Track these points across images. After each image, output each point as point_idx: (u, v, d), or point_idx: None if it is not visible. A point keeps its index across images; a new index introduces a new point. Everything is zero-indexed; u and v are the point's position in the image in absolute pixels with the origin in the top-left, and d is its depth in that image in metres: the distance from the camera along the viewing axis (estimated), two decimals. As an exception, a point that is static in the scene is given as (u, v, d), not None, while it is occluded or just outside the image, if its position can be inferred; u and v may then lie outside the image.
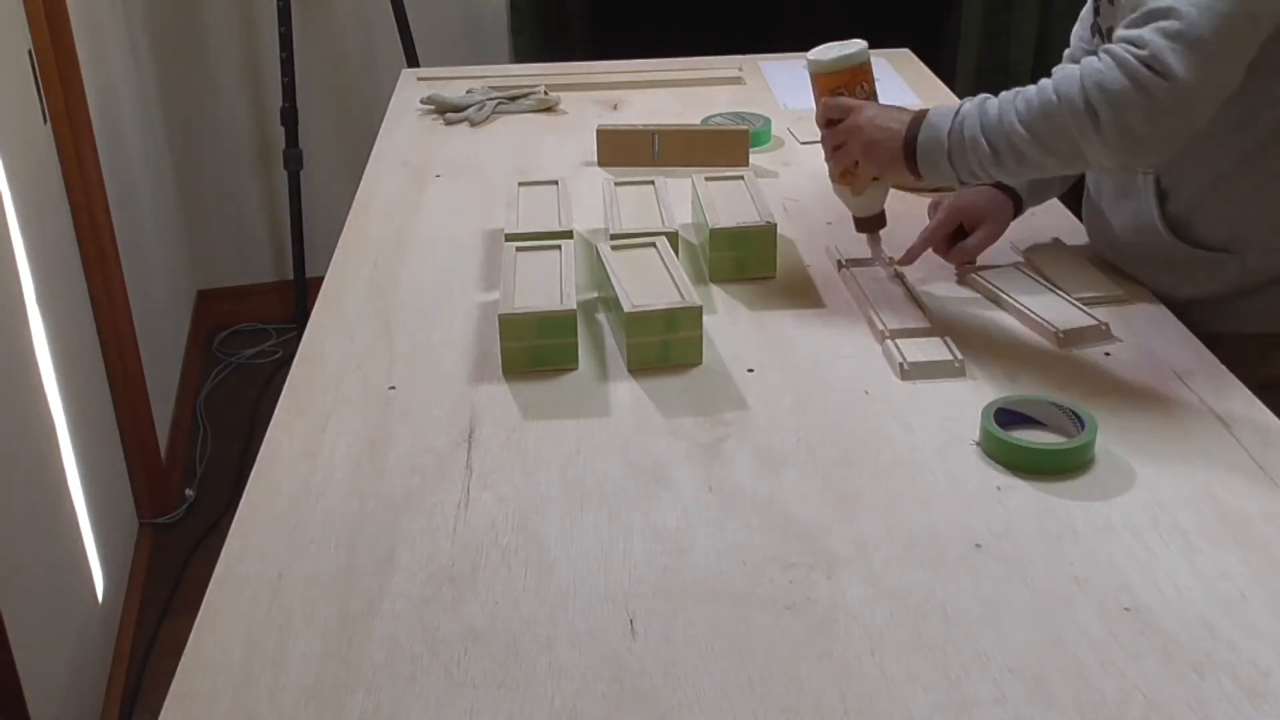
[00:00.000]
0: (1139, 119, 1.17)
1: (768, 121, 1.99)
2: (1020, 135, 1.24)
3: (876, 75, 1.46)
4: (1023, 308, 1.40)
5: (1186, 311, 1.41)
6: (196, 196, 3.42)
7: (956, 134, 1.29)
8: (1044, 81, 1.25)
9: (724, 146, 1.87)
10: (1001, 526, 1.07)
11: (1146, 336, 1.36)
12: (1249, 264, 1.36)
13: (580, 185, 1.77)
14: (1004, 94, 1.28)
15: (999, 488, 1.12)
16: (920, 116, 1.34)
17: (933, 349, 1.32)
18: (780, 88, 2.23)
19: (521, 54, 3.29)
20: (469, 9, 3.35)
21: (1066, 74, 1.22)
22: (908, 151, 1.33)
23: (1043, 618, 0.96)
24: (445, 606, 0.99)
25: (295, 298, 3.33)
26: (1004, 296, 1.42)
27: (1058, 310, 1.38)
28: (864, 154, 1.37)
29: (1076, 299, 1.41)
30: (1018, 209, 1.52)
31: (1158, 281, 1.45)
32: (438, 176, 1.87)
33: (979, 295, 1.46)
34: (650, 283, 1.37)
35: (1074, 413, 1.18)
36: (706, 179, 1.64)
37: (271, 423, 1.24)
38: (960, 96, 1.80)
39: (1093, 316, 1.37)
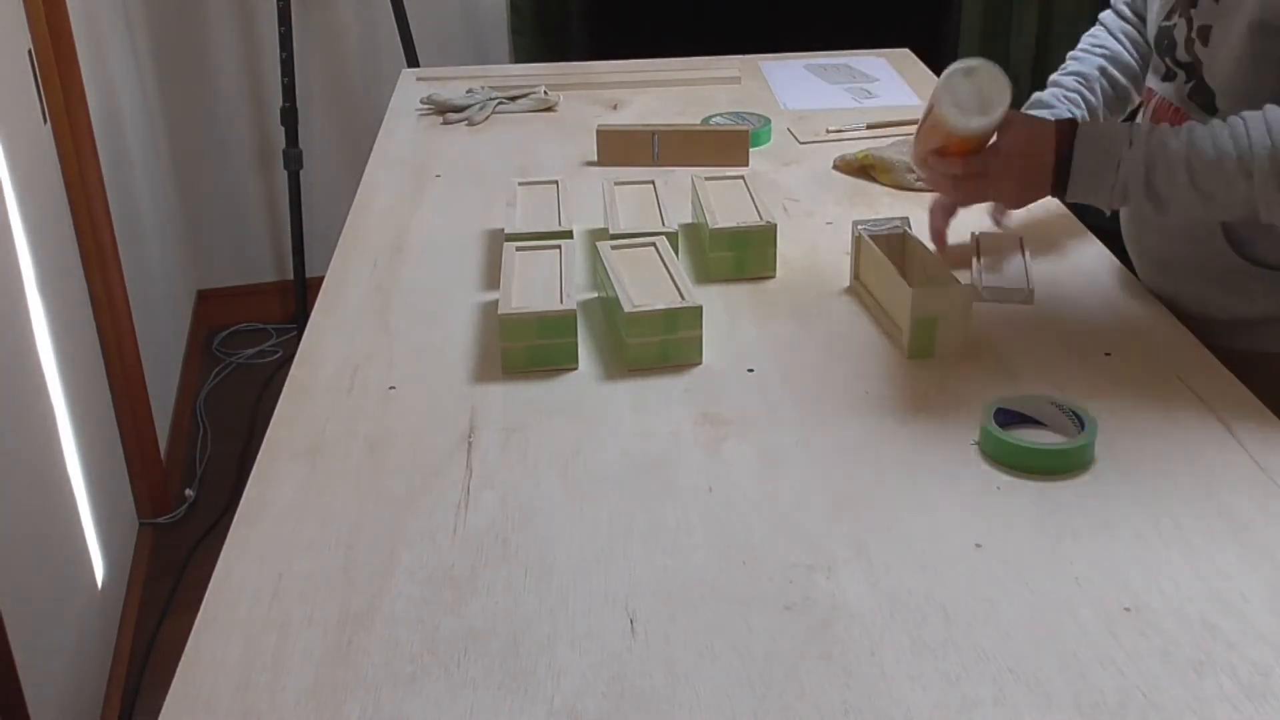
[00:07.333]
0: None
1: (768, 121, 1.99)
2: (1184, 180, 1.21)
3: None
4: (978, 266, 1.44)
5: (1230, 331, 1.37)
6: (196, 196, 3.42)
7: (1133, 157, 1.23)
8: (1230, 125, 1.20)
9: (724, 146, 1.87)
10: (1001, 526, 1.07)
11: (1147, 336, 1.36)
12: None
13: (580, 185, 1.77)
14: (1181, 131, 1.22)
15: (999, 488, 1.12)
16: (1066, 130, 1.27)
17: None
18: (780, 88, 2.23)
19: (521, 54, 3.29)
20: (469, 9, 3.36)
21: (1253, 123, 1.18)
22: (1059, 171, 1.27)
23: (1043, 618, 0.96)
24: (445, 606, 0.99)
25: (295, 298, 3.34)
26: (975, 260, 1.47)
27: (1008, 272, 1.41)
28: (1010, 177, 1.31)
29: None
30: None
31: (1205, 298, 1.40)
32: (438, 176, 1.87)
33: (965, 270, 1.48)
34: (650, 283, 1.37)
35: (1074, 413, 1.18)
36: (706, 179, 1.64)
37: (271, 423, 1.24)
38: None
39: (1028, 281, 1.40)
